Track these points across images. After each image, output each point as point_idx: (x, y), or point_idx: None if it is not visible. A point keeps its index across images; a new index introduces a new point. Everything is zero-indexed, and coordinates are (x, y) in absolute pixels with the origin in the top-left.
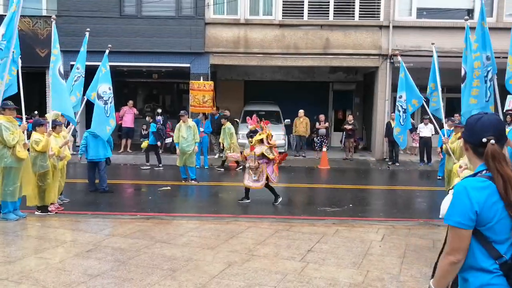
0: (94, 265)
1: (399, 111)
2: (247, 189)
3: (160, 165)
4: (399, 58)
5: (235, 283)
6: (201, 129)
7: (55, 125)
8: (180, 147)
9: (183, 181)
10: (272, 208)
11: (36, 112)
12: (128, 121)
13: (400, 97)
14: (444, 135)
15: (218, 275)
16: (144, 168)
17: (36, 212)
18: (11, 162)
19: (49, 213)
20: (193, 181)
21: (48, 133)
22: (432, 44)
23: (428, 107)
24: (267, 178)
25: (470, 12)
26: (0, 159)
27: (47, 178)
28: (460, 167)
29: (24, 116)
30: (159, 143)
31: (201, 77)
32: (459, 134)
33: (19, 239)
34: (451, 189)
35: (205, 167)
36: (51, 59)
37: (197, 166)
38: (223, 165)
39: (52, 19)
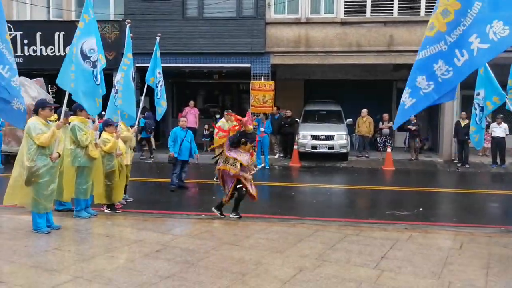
0: (164, 266)
1: (475, 109)
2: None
3: (152, 156)
4: None
5: None
6: (262, 129)
7: (109, 123)
8: None
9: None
10: (337, 211)
11: (103, 112)
12: (190, 121)
13: (478, 94)
14: None
15: (290, 280)
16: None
17: (105, 210)
18: (85, 162)
19: (117, 211)
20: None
21: (117, 135)
22: None
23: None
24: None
25: None
26: (74, 159)
27: (114, 177)
28: None
29: (96, 117)
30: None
31: (262, 77)
32: None
33: (90, 237)
34: None
35: (266, 167)
36: (125, 62)
37: (258, 167)
38: None
39: (126, 23)
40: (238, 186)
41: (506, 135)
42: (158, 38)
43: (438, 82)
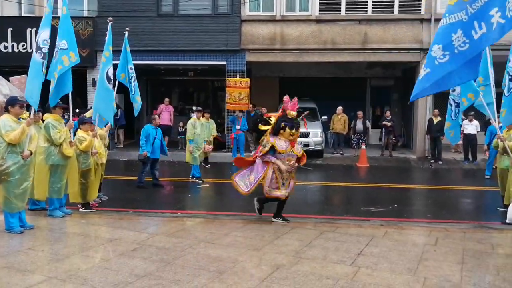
0: (140, 265)
1: (451, 105)
2: (265, 200)
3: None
4: None
5: None
6: (238, 127)
7: (84, 121)
8: (197, 145)
9: (196, 180)
10: (313, 208)
11: (77, 110)
12: (165, 119)
13: (454, 90)
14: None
15: (267, 278)
16: None
17: (80, 209)
18: (58, 160)
19: (91, 210)
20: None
21: (93, 134)
22: None
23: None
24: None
25: None
26: (47, 157)
27: (89, 176)
28: None
29: (70, 115)
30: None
31: (237, 74)
32: None
33: (65, 236)
34: None
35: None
36: (102, 60)
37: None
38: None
39: (108, 21)
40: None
41: (478, 132)
42: (126, 33)
43: (453, 53)
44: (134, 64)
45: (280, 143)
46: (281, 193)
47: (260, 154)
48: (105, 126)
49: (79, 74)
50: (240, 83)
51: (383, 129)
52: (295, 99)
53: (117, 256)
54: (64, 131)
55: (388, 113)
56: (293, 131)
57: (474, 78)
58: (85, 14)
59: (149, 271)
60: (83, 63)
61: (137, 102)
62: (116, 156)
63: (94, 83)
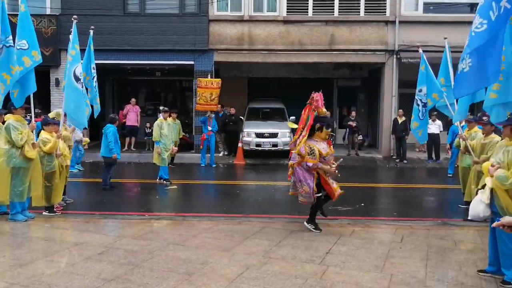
0: (107, 269)
1: (418, 105)
2: (318, 206)
3: None
4: (421, 50)
5: None
6: (209, 128)
7: (48, 122)
8: (165, 146)
9: (164, 181)
10: (282, 208)
11: (40, 111)
12: (132, 119)
13: (420, 90)
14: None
15: (236, 279)
16: None
17: (43, 213)
18: (20, 162)
19: (56, 213)
20: (164, 181)
21: (58, 135)
22: (445, 38)
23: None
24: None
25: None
26: (9, 159)
27: (54, 178)
28: (492, 165)
29: (33, 115)
30: None
31: (209, 75)
32: (474, 130)
33: (28, 241)
34: (480, 189)
35: (212, 165)
36: (68, 59)
37: (202, 165)
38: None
39: (73, 19)
40: (317, 195)
41: (441, 131)
42: (91, 32)
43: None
44: (100, 64)
45: (322, 146)
46: (313, 161)
47: (310, 165)
48: (70, 127)
49: (42, 74)
50: (212, 83)
51: (348, 129)
52: (320, 93)
53: (83, 260)
54: (26, 133)
55: (353, 113)
56: (330, 130)
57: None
58: (48, 12)
59: (117, 275)
60: (47, 63)
61: (97, 104)
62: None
63: (57, 83)
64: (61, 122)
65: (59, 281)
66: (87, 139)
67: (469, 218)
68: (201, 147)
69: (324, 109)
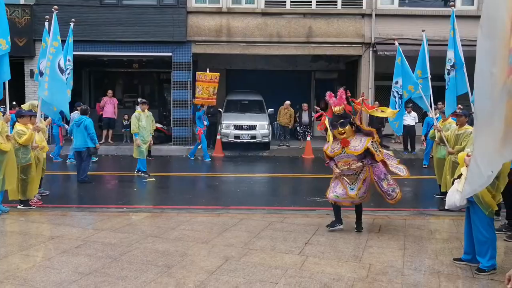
0: (84, 262)
1: (394, 97)
2: (337, 207)
3: None
4: (397, 43)
5: (235, 279)
6: (205, 123)
7: (22, 114)
8: (143, 138)
9: (142, 174)
10: (261, 199)
11: (14, 102)
12: (109, 112)
13: (396, 82)
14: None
15: (216, 271)
16: None
17: (18, 206)
18: None
19: (31, 207)
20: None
21: (34, 127)
22: (423, 31)
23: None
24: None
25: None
26: None
27: (30, 171)
28: (468, 155)
29: (7, 107)
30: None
31: (207, 68)
32: (448, 121)
33: (2, 235)
34: (456, 179)
35: (191, 157)
36: (50, 51)
37: (208, 160)
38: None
39: (53, 10)
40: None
41: (416, 123)
42: (72, 24)
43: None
44: (77, 55)
45: (332, 145)
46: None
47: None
48: (45, 120)
49: (16, 65)
50: (210, 77)
51: None
52: (340, 90)
53: (60, 254)
54: (0, 124)
55: None
56: (339, 129)
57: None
58: (22, 1)
59: (95, 268)
60: (21, 53)
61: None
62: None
63: (32, 74)
64: (38, 114)
65: (35, 275)
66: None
67: (446, 207)
68: (199, 140)
69: (337, 108)
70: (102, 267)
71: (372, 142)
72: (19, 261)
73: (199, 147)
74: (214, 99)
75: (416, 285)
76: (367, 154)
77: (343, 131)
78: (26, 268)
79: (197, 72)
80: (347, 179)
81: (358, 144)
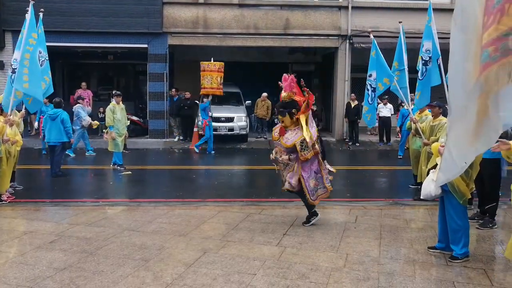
0: (59, 258)
1: (368, 89)
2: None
3: None
4: (372, 36)
5: (213, 271)
6: (210, 114)
7: None
8: (118, 131)
9: (118, 167)
10: (239, 192)
11: None
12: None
13: (370, 75)
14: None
15: (194, 263)
16: None
17: None
18: None
19: (3, 202)
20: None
21: (6, 119)
22: (400, 22)
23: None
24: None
25: None
26: None
27: (1, 165)
28: (442, 146)
29: None
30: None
31: (212, 58)
32: (424, 113)
33: None
34: (431, 169)
35: (212, 152)
36: (30, 42)
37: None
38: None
39: (31, 0)
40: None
41: (392, 115)
42: (41, 14)
43: None
44: (50, 46)
45: (278, 130)
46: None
47: None
48: (19, 112)
49: None
50: (214, 65)
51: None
52: (291, 77)
53: (34, 250)
54: None
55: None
56: (279, 116)
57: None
58: None
59: (70, 263)
60: None
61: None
62: (29, 144)
63: (2, 65)
64: (10, 107)
65: (7, 272)
66: (96, 122)
67: (421, 197)
68: (202, 133)
69: (284, 93)
70: (78, 262)
71: (302, 140)
72: None
73: (171, 139)
74: (221, 89)
75: (392, 273)
76: (295, 150)
77: (282, 118)
78: None
79: (201, 62)
80: (278, 167)
81: (291, 137)
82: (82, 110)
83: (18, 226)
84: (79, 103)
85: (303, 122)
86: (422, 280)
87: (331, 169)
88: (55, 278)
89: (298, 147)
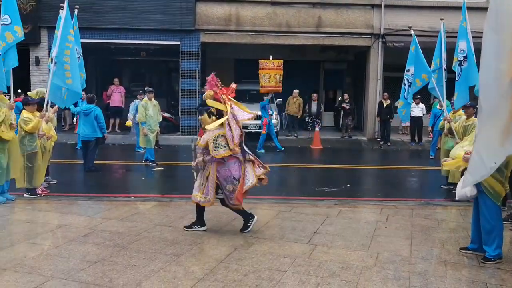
0: (92, 251)
1: (404, 84)
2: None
3: None
4: (412, 31)
5: (244, 268)
6: (270, 112)
7: (29, 102)
8: (150, 127)
9: (150, 163)
10: (269, 189)
11: (19, 90)
12: (116, 100)
13: (408, 71)
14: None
15: (225, 259)
16: None
17: (25, 195)
18: None
19: (38, 195)
20: (150, 163)
21: (41, 114)
22: (441, 19)
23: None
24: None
25: None
26: None
27: (36, 159)
28: (467, 153)
29: (12, 94)
30: None
31: (270, 56)
32: (458, 113)
33: (8, 223)
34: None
35: (281, 149)
36: (69, 39)
37: (281, 149)
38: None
39: None
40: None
41: (423, 114)
42: (76, 11)
43: None
44: (83, 43)
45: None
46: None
47: None
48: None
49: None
50: (273, 63)
51: (342, 111)
52: (211, 75)
53: (67, 243)
54: (3, 112)
55: (346, 95)
56: (200, 117)
57: None
58: None
59: (103, 257)
60: (26, 40)
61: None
62: (63, 139)
63: (38, 61)
64: (46, 102)
65: (42, 264)
66: (129, 121)
67: (456, 198)
68: (263, 132)
69: (205, 92)
70: (110, 255)
71: (219, 136)
72: (26, 250)
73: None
74: (280, 86)
75: (423, 273)
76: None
77: (200, 119)
78: (34, 256)
79: (260, 61)
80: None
81: (207, 136)
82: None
83: (53, 220)
84: (137, 98)
85: (220, 121)
86: (454, 281)
87: (262, 176)
88: (88, 271)
89: (211, 145)
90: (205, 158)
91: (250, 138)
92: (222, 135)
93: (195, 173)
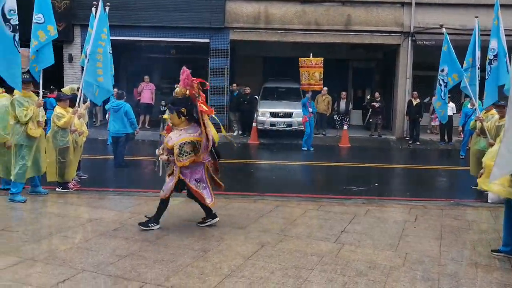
0: (122, 245)
1: (440, 85)
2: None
3: None
4: (444, 29)
5: (271, 265)
6: (310, 110)
7: (61, 98)
8: None
9: None
10: (297, 187)
11: (52, 86)
12: (146, 97)
13: (442, 70)
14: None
15: (252, 256)
16: None
17: (57, 189)
18: (21, 139)
19: (70, 190)
20: None
21: (74, 110)
22: (476, 17)
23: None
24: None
25: None
26: (12, 135)
27: (68, 154)
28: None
29: (41, 92)
30: None
31: (310, 54)
32: (491, 113)
33: (41, 216)
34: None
35: (310, 149)
36: (102, 37)
37: (311, 149)
38: None
39: None
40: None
41: (453, 114)
42: (107, 8)
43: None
44: (114, 40)
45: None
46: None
47: None
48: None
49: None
50: (317, 62)
51: (371, 110)
52: (186, 72)
53: (98, 236)
54: (31, 109)
55: (377, 94)
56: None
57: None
58: None
59: (132, 251)
60: (59, 38)
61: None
62: (94, 135)
63: (71, 58)
64: (78, 98)
65: (73, 256)
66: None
67: (489, 201)
68: (303, 129)
69: (177, 89)
70: (139, 250)
71: (185, 143)
72: (58, 242)
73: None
74: (321, 84)
75: (453, 275)
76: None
77: (169, 117)
78: (65, 249)
79: (299, 59)
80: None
81: (174, 137)
82: None
83: (83, 214)
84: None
85: (206, 122)
86: (485, 283)
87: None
88: (118, 264)
89: (176, 150)
90: (170, 158)
91: (278, 136)
92: (189, 142)
93: (158, 163)
